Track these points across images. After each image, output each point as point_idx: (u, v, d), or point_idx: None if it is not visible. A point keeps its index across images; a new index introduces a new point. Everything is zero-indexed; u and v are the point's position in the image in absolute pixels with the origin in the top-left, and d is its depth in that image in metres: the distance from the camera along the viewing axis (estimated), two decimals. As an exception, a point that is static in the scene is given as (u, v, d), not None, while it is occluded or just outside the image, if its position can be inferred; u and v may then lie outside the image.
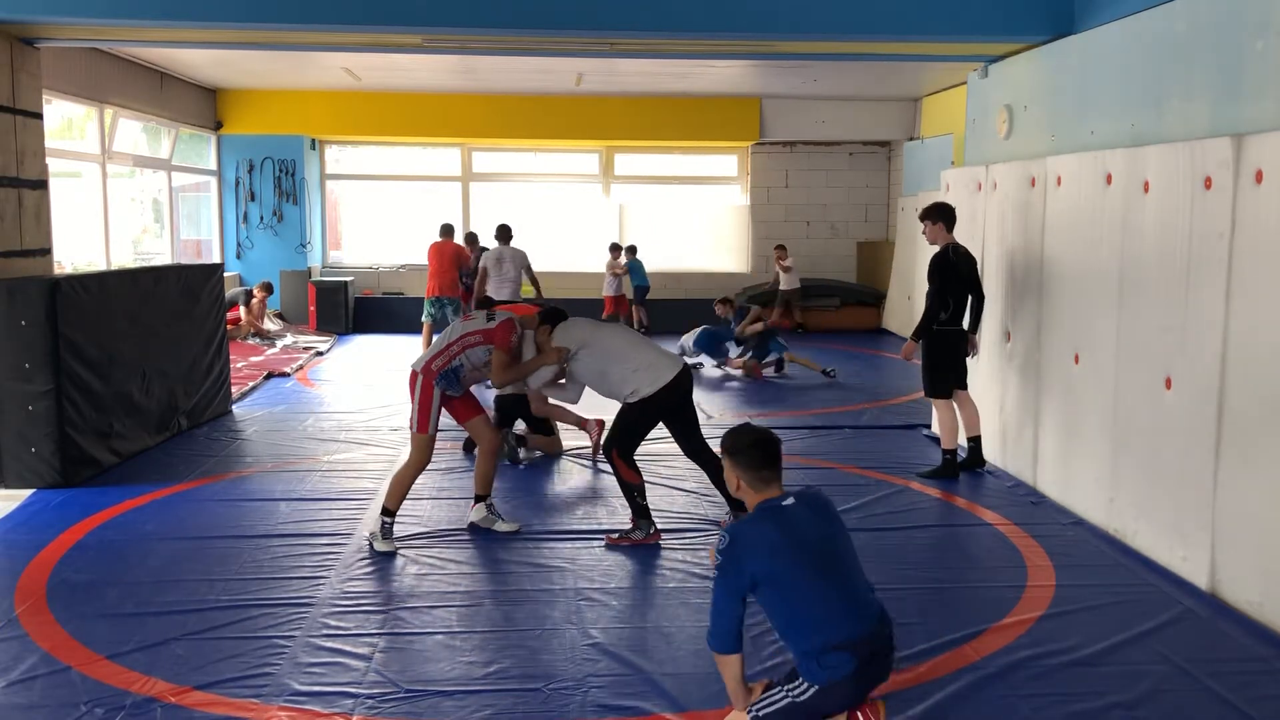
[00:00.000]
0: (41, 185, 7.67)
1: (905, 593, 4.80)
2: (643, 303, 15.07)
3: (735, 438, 3.43)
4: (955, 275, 6.83)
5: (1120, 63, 6.04)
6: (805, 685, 3.18)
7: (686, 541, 5.63)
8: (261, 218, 15.54)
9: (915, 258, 14.20)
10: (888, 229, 16.67)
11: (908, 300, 14.49)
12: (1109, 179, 5.76)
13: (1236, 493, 4.67)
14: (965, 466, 7.07)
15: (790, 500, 3.33)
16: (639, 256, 15.08)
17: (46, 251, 7.75)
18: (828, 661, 3.14)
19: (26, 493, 6.48)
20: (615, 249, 15.06)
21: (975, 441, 7.13)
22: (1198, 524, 4.92)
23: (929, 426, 8.42)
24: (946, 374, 6.99)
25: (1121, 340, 5.63)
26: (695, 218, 17.03)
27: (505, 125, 15.57)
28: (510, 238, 11.33)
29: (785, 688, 3.24)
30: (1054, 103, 6.91)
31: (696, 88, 14.56)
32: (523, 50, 8.42)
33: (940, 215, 6.95)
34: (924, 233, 7.06)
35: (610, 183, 17.07)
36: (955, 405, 7.05)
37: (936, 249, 6.93)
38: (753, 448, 3.39)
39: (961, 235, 7.86)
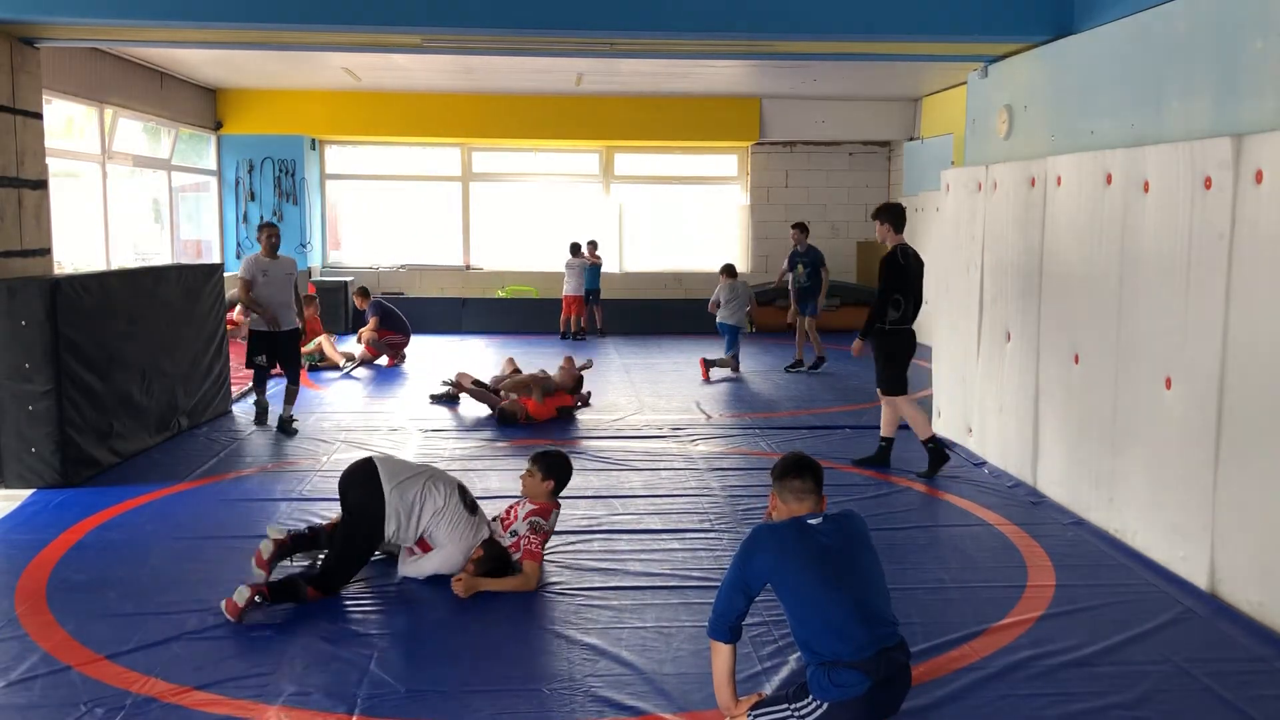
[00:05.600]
0: (41, 185, 7.66)
1: (905, 593, 4.79)
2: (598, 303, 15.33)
3: (776, 462, 3.52)
4: (906, 276, 6.95)
5: (1120, 63, 6.04)
6: (815, 704, 3.15)
7: (686, 542, 5.64)
8: (261, 217, 15.52)
9: (915, 258, 14.21)
10: (888, 229, 16.66)
11: (908, 300, 14.48)
12: (1109, 179, 5.76)
13: (1236, 493, 4.67)
14: (876, 461, 7.15)
15: (819, 519, 3.33)
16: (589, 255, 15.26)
17: (46, 251, 7.75)
18: (839, 679, 3.11)
19: (26, 493, 6.48)
20: (576, 249, 15.07)
21: (889, 443, 7.26)
22: (1198, 524, 4.91)
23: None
24: (904, 372, 7.10)
25: (1121, 340, 5.63)
26: (695, 217, 17.03)
27: (505, 125, 15.56)
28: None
29: (790, 705, 3.20)
30: (1054, 103, 6.91)
31: (696, 88, 14.56)
32: (523, 50, 8.43)
33: (889, 216, 7.11)
34: (876, 232, 7.22)
35: (610, 182, 17.07)
36: (897, 402, 7.17)
37: (886, 249, 7.07)
38: (782, 461, 3.47)
39: (962, 235, 7.87)
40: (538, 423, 8.73)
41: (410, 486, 4.92)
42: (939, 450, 7.05)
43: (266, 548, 4.90)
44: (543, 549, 5.00)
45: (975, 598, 4.85)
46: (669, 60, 11.48)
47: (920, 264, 7.14)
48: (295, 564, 5.05)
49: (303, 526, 5.37)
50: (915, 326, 7.07)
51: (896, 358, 7.04)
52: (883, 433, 7.29)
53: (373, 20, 6.80)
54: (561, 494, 5.29)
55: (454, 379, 9.58)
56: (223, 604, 4.49)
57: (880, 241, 7.18)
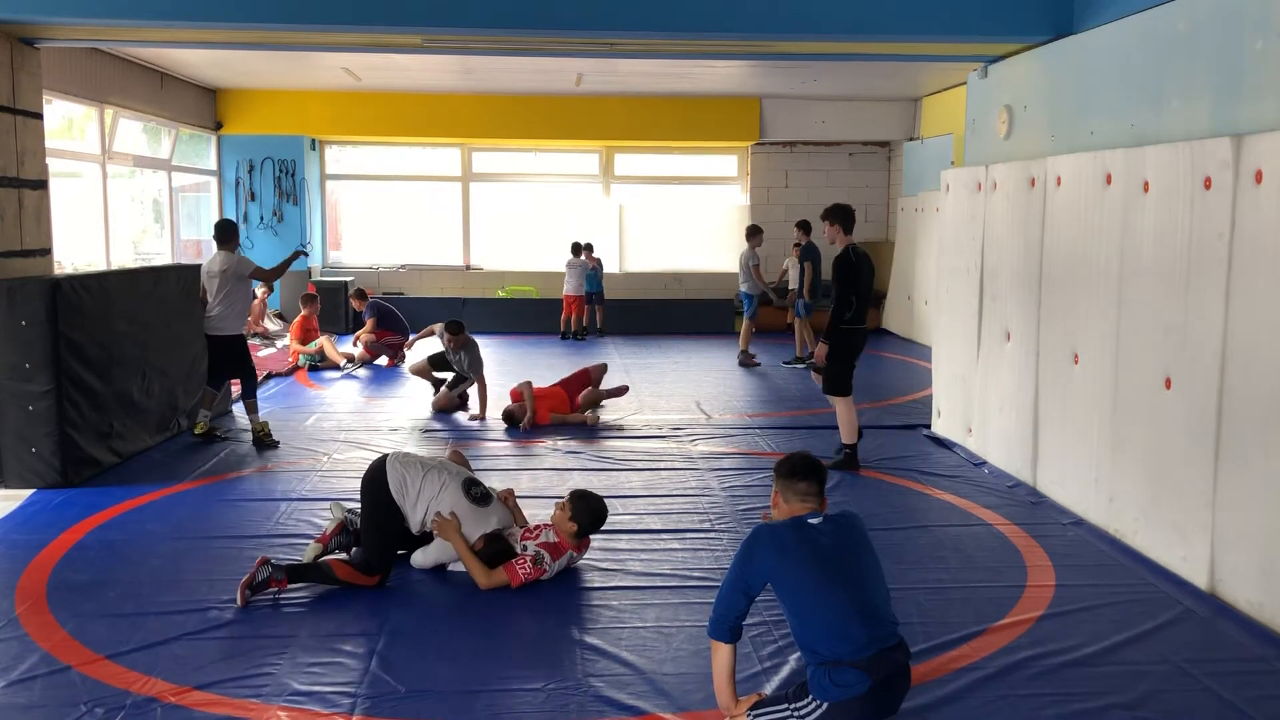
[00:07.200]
0: (41, 185, 7.66)
1: (905, 593, 4.79)
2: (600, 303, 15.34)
3: (781, 460, 3.51)
4: (858, 276, 6.96)
5: (1120, 63, 6.04)
6: (815, 704, 3.14)
7: (686, 542, 5.64)
8: (261, 218, 15.54)
9: (915, 258, 14.20)
10: (887, 229, 16.68)
11: (907, 300, 14.49)
12: (1109, 179, 5.76)
13: (1236, 493, 4.67)
14: (844, 465, 7.21)
15: (819, 519, 3.34)
16: (582, 258, 15.18)
17: (46, 251, 7.75)
18: (840, 678, 3.10)
19: (26, 493, 6.48)
20: (577, 249, 15.08)
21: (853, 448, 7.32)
22: (1198, 524, 4.91)
23: (929, 426, 8.43)
24: (849, 372, 7.10)
25: (1121, 340, 5.63)
26: (695, 218, 17.04)
27: (505, 125, 15.57)
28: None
29: (790, 705, 3.20)
30: (1054, 103, 6.91)
31: (696, 88, 14.56)
32: (523, 50, 8.42)
33: (838, 217, 7.12)
34: (824, 233, 7.22)
35: (610, 183, 17.07)
36: (837, 403, 7.18)
37: (838, 250, 7.07)
38: (788, 459, 3.46)
39: (962, 235, 7.87)
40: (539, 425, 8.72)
41: (413, 469, 5.07)
42: (853, 458, 7.15)
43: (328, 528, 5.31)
44: (527, 578, 4.90)
45: (975, 598, 4.85)
46: (669, 60, 11.49)
47: (870, 264, 7.17)
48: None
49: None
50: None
51: (845, 358, 7.08)
52: (845, 439, 7.28)
53: (373, 20, 6.80)
54: (563, 495, 5.28)
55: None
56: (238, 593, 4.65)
57: (830, 242, 7.20)
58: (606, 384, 9.51)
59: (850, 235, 7.10)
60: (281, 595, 4.75)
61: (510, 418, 8.71)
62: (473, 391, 9.36)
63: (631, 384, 10.33)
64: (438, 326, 9.42)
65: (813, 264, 11.92)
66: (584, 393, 9.09)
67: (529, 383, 8.82)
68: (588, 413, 8.82)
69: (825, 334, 7.07)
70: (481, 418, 8.98)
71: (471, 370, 9.20)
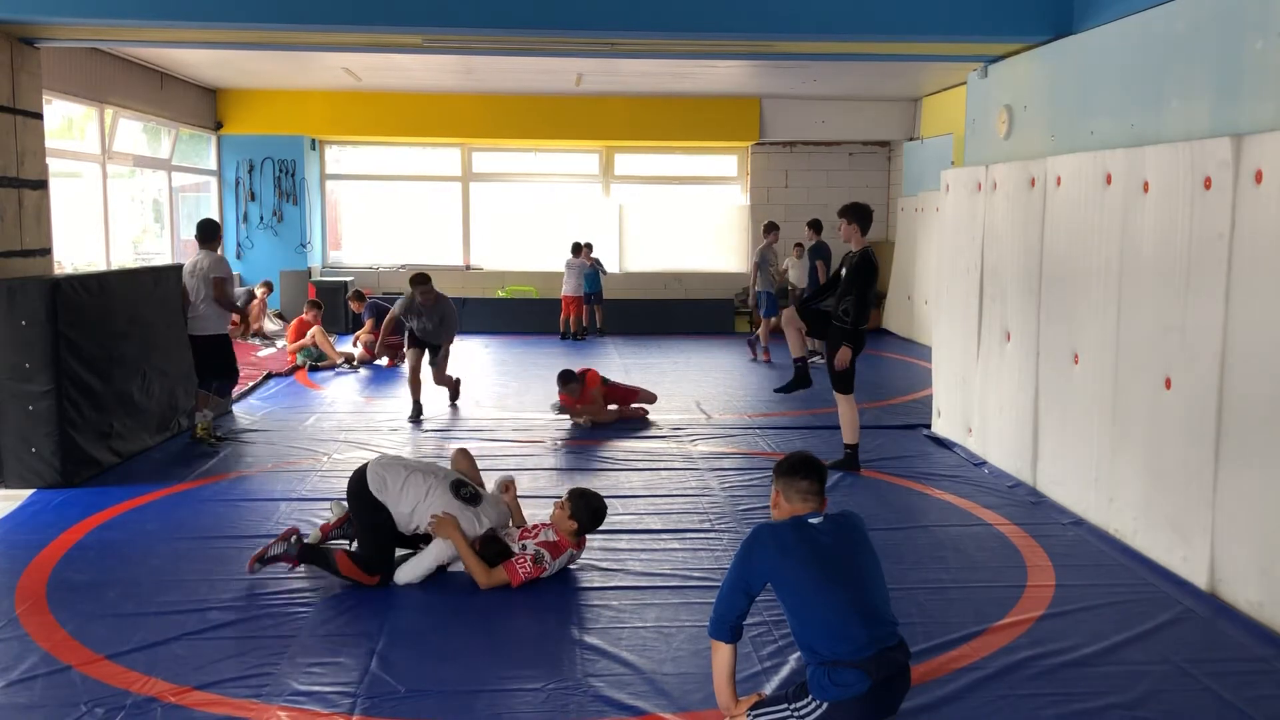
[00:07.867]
0: (41, 185, 7.67)
1: (905, 593, 4.79)
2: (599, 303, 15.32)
3: (782, 459, 3.50)
4: (876, 277, 6.95)
5: (1120, 63, 6.04)
6: (814, 704, 3.14)
7: (686, 542, 5.64)
8: (261, 218, 15.56)
9: (915, 258, 14.20)
10: (887, 229, 16.66)
11: (907, 300, 14.49)
12: (1109, 179, 5.76)
13: (1236, 493, 4.67)
14: (796, 384, 7.26)
15: (819, 519, 3.33)
16: (582, 258, 15.13)
17: (46, 251, 7.75)
18: (840, 678, 3.10)
19: (26, 493, 6.48)
20: (577, 249, 15.07)
21: (804, 362, 7.38)
22: (1198, 524, 4.91)
23: (929, 426, 8.43)
24: (852, 370, 7.10)
25: (1121, 340, 5.62)
26: (695, 218, 17.05)
27: (505, 125, 15.57)
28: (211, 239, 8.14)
29: (790, 705, 3.19)
30: (1054, 103, 6.91)
31: (696, 88, 14.57)
32: (523, 50, 8.43)
33: (856, 216, 6.96)
34: (839, 230, 7.12)
35: (610, 183, 17.08)
36: (842, 399, 7.15)
37: (853, 250, 6.97)
38: (788, 458, 3.45)
39: (962, 235, 7.86)
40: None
41: (394, 470, 5.03)
42: (853, 458, 7.14)
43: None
44: (528, 577, 4.88)
45: (975, 598, 4.85)
46: (669, 60, 11.49)
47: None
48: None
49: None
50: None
51: (856, 357, 7.06)
52: (794, 354, 7.34)
53: (373, 20, 6.80)
54: (563, 496, 5.28)
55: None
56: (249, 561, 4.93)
57: (845, 241, 7.08)
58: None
59: (866, 236, 7.01)
60: (282, 595, 4.75)
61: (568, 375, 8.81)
62: (475, 391, 9.38)
63: (631, 384, 10.33)
64: (396, 308, 9.05)
65: (824, 263, 11.97)
66: (619, 407, 8.97)
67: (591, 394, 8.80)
68: (582, 417, 8.79)
69: (847, 336, 6.94)
70: (446, 382, 9.23)
71: (445, 335, 9.06)
